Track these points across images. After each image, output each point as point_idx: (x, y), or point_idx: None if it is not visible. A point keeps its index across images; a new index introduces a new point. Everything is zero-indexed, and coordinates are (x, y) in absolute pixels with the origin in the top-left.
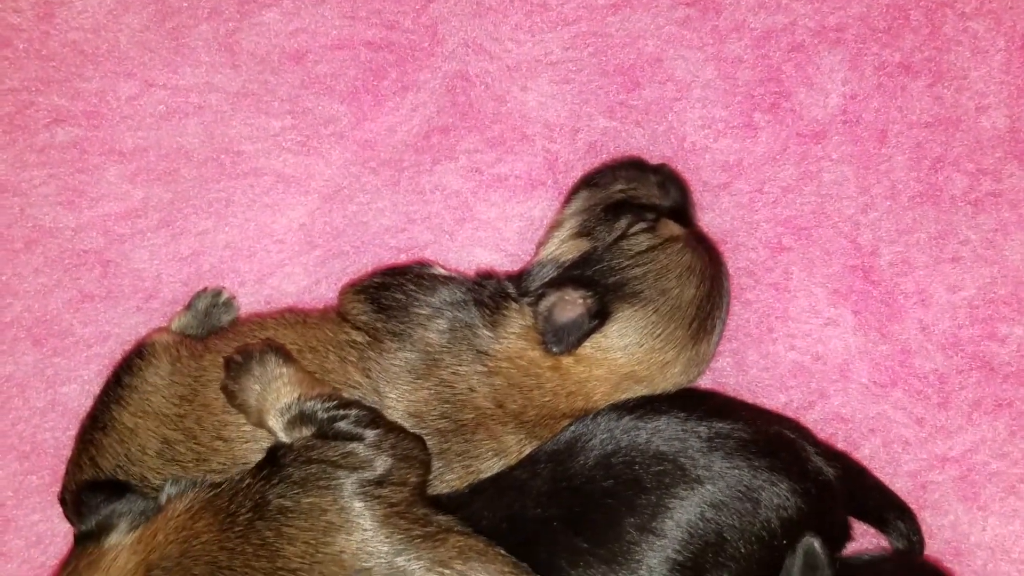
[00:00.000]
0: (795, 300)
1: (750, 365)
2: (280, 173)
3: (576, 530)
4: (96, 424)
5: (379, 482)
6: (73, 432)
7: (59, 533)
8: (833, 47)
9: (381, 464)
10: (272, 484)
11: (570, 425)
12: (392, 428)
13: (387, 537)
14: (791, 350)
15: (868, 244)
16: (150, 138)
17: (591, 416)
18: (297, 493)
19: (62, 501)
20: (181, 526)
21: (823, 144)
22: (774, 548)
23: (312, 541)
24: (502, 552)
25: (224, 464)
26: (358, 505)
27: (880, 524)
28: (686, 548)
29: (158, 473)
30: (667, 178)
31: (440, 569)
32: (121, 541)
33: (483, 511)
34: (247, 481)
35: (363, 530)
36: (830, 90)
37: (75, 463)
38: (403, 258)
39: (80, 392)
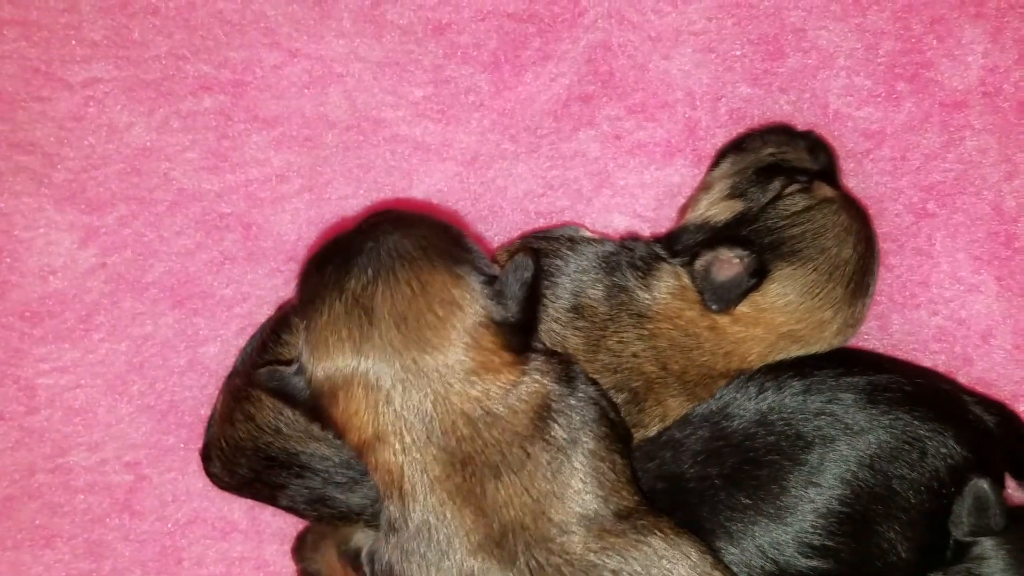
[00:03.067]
0: (938, 266)
1: (894, 330)
2: (419, 141)
3: (738, 487)
4: (252, 381)
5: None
6: (212, 392)
7: (193, 492)
8: (974, 20)
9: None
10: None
11: (724, 388)
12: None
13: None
14: (934, 315)
15: (1011, 211)
16: (293, 106)
17: (745, 377)
18: None
19: (206, 457)
20: None
21: (965, 113)
22: (942, 497)
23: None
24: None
25: None
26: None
27: None
28: (855, 501)
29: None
30: (815, 143)
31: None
32: None
33: (638, 472)
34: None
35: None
36: (971, 62)
37: (227, 420)
38: (541, 223)
39: (220, 352)
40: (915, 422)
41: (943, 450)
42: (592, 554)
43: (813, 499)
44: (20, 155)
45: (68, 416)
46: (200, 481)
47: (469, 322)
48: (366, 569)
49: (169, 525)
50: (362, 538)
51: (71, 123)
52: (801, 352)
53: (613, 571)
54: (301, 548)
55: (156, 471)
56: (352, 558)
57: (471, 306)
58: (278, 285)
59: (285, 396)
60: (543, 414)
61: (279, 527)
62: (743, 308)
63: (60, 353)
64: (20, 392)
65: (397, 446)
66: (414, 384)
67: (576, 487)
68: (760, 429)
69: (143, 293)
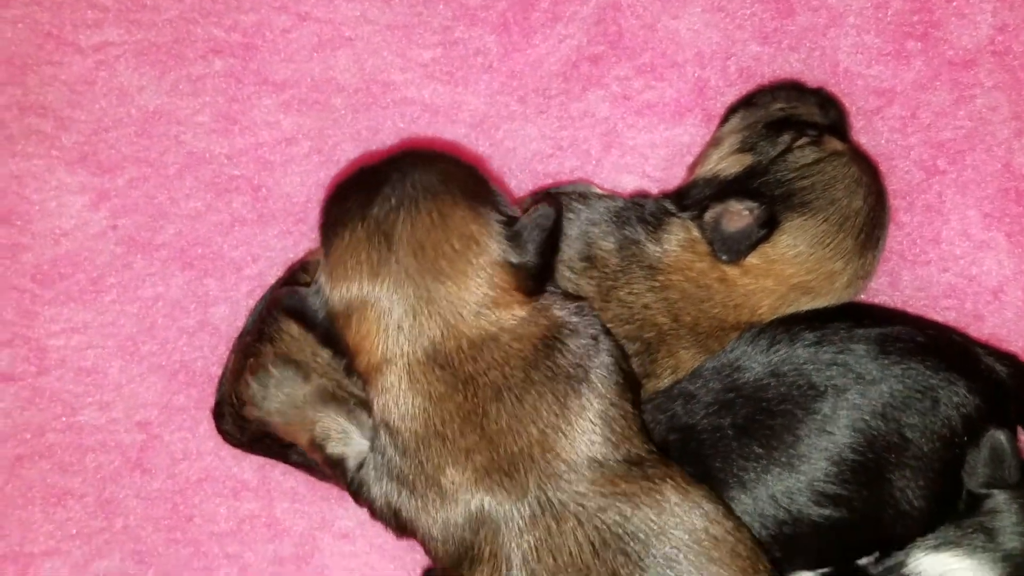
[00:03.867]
0: (948, 223)
1: (904, 286)
2: (428, 103)
3: (751, 437)
4: (262, 337)
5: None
6: (222, 353)
7: (204, 451)
8: None
9: None
10: None
11: (736, 340)
12: None
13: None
14: (945, 272)
15: (1021, 167)
16: (302, 69)
17: (757, 329)
18: None
19: (218, 415)
20: None
21: (974, 71)
22: (955, 446)
23: None
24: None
25: None
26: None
27: None
28: (867, 449)
29: (331, 379)
30: (825, 99)
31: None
32: None
33: (649, 424)
34: None
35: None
36: (980, 21)
37: (236, 375)
38: (550, 183)
39: (230, 313)
40: (927, 372)
41: (955, 399)
42: (603, 498)
43: (826, 448)
44: (31, 118)
45: (79, 376)
46: (211, 440)
47: (484, 259)
48: (348, 478)
49: (180, 483)
50: (341, 447)
51: (82, 86)
52: (812, 305)
53: (624, 516)
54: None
55: (167, 430)
56: (333, 462)
57: (488, 244)
58: (287, 247)
59: (302, 317)
60: (549, 342)
61: (290, 486)
62: (753, 260)
63: (71, 314)
64: (31, 353)
65: (403, 371)
66: (424, 312)
67: (584, 427)
68: (772, 380)
69: (153, 255)
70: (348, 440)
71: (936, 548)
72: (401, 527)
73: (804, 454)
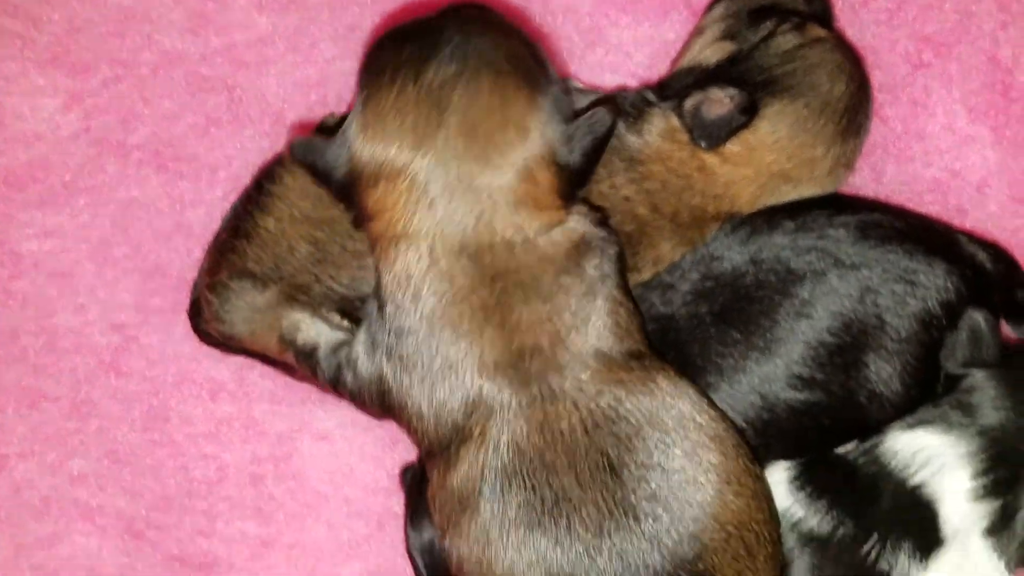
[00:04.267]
0: (934, 117)
1: (888, 181)
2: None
3: (728, 323)
4: (237, 233)
5: None
6: (197, 255)
7: (180, 354)
8: None
9: None
10: None
11: (716, 232)
12: None
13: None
14: (929, 166)
15: (1007, 61)
16: None
17: (737, 220)
18: None
19: (194, 314)
20: None
21: None
22: (934, 329)
23: None
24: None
25: None
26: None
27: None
28: (845, 332)
29: (307, 273)
30: None
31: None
32: None
33: None
34: None
35: None
36: None
37: (213, 273)
38: None
39: (205, 215)
40: (907, 256)
41: (936, 283)
42: (600, 384)
43: (803, 331)
44: (3, 18)
45: (53, 280)
46: (187, 344)
47: (532, 153)
48: (323, 366)
49: (156, 385)
50: (312, 333)
51: None
52: (793, 195)
53: (618, 400)
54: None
55: (142, 332)
56: (305, 353)
57: (540, 138)
58: (263, 149)
59: (317, 170)
60: (580, 251)
61: (268, 388)
62: (733, 147)
63: (44, 218)
64: (5, 257)
65: (426, 251)
66: (462, 196)
67: (596, 324)
68: (751, 267)
69: (127, 157)
70: (318, 330)
71: (911, 427)
72: (387, 407)
73: (782, 338)
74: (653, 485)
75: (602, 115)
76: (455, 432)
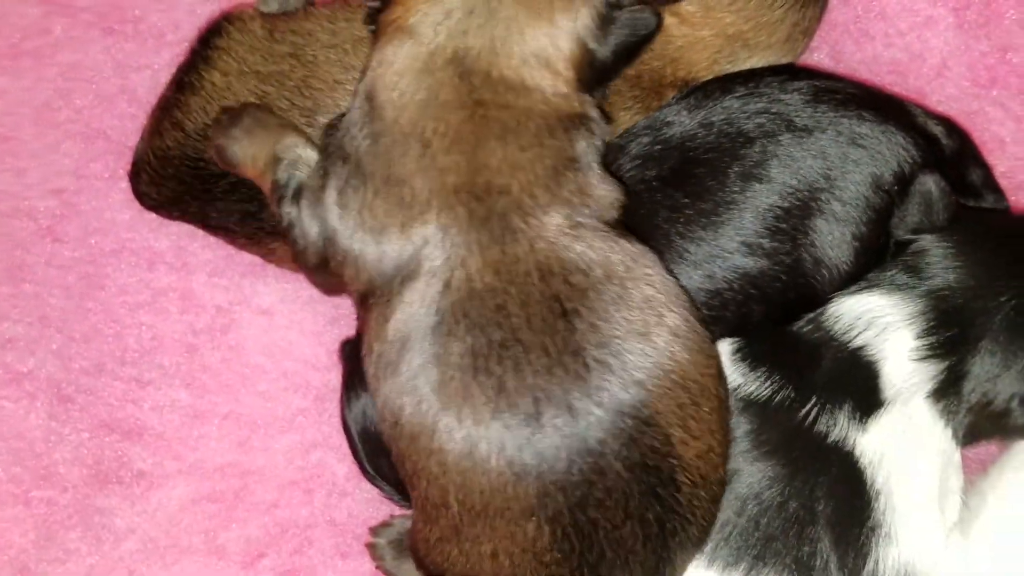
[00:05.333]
0: None
1: (847, 60)
2: None
3: (675, 186)
4: (181, 87)
5: None
6: (141, 121)
7: (120, 222)
8: None
9: None
10: None
11: (670, 100)
12: None
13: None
14: (889, 47)
15: None
16: None
17: (692, 87)
18: None
19: (134, 175)
20: None
21: None
22: (884, 196)
23: None
24: None
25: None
26: None
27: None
28: (794, 195)
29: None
30: None
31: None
32: None
33: None
34: None
35: None
36: None
37: (154, 132)
38: None
39: (149, 80)
40: (860, 122)
41: (888, 151)
42: (561, 234)
43: (752, 195)
44: None
45: None
46: (127, 211)
47: (569, 25)
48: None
49: (93, 253)
50: (291, 165)
51: None
52: (750, 62)
53: (577, 252)
54: (228, 125)
55: (82, 199)
56: (281, 184)
57: (582, 15)
58: (212, 12)
59: None
60: (574, 123)
61: (208, 259)
62: (690, 7)
63: None
64: None
65: (424, 54)
66: (482, 22)
67: (569, 189)
68: (701, 130)
69: (73, 18)
70: (299, 167)
71: (857, 291)
72: (333, 247)
73: (730, 201)
74: (604, 333)
75: (648, 17)
76: (403, 267)
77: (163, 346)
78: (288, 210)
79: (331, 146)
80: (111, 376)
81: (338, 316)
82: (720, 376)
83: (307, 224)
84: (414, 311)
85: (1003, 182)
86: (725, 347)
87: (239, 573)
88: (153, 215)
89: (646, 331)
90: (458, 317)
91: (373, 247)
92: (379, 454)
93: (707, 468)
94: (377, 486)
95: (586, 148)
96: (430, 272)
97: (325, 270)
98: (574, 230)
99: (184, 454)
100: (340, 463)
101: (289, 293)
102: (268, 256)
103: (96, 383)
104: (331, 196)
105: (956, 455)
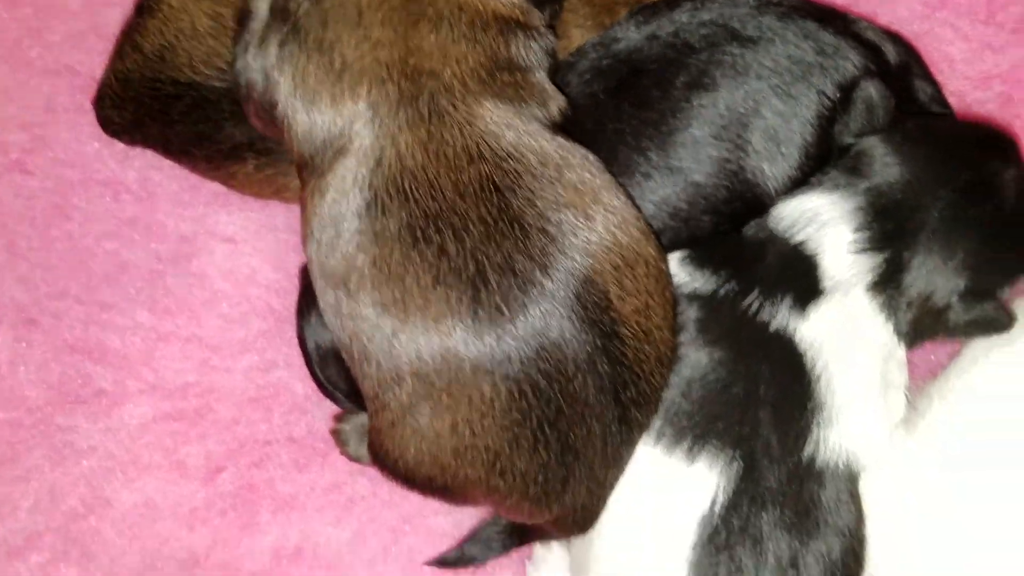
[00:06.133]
0: None
1: None
2: None
3: (622, 98)
4: (140, 11)
5: None
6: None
7: (88, 154)
8: None
9: None
10: None
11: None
12: None
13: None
14: None
15: None
16: None
17: (640, 6)
18: None
19: (98, 101)
20: None
21: None
22: (828, 103)
23: None
24: None
25: None
26: None
27: None
28: (738, 103)
29: (207, 49)
30: None
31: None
32: None
33: None
34: None
35: None
36: None
37: (117, 56)
38: None
39: (120, 16)
40: (806, 32)
41: (834, 60)
42: (495, 124)
43: (699, 102)
44: None
45: None
46: (94, 143)
47: None
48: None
49: (60, 184)
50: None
51: None
52: None
53: (509, 141)
54: None
55: (50, 132)
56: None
57: None
58: None
59: None
60: (511, 29)
61: (172, 190)
62: None
63: None
64: None
65: None
66: None
67: (504, 84)
68: (647, 43)
69: None
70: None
71: (799, 193)
72: (271, 104)
73: (676, 110)
74: (540, 207)
75: None
76: (333, 142)
77: (127, 273)
78: (239, 61)
79: (278, 2)
80: (75, 300)
81: (300, 243)
82: (659, 251)
83: (253, 75)
84: (347, 188)
85: (953, 100)
86: (674, 256)
87: (198, 487)
88: (119, 146)
89: (582, 206)
90: (392, 193)
91: (304, 115)
92: (333, 365)
93: (647, 324)
94: (333, 399)
95: (523, 53)
96: (360, 150)
97: (276, 129)
98: (507, 121)
99: (145, 374)
100: (300, 382)
101: (252, 222)
102: (229, 182)
103: (60, 307)
104: (272, 53)
105: (899, 351)
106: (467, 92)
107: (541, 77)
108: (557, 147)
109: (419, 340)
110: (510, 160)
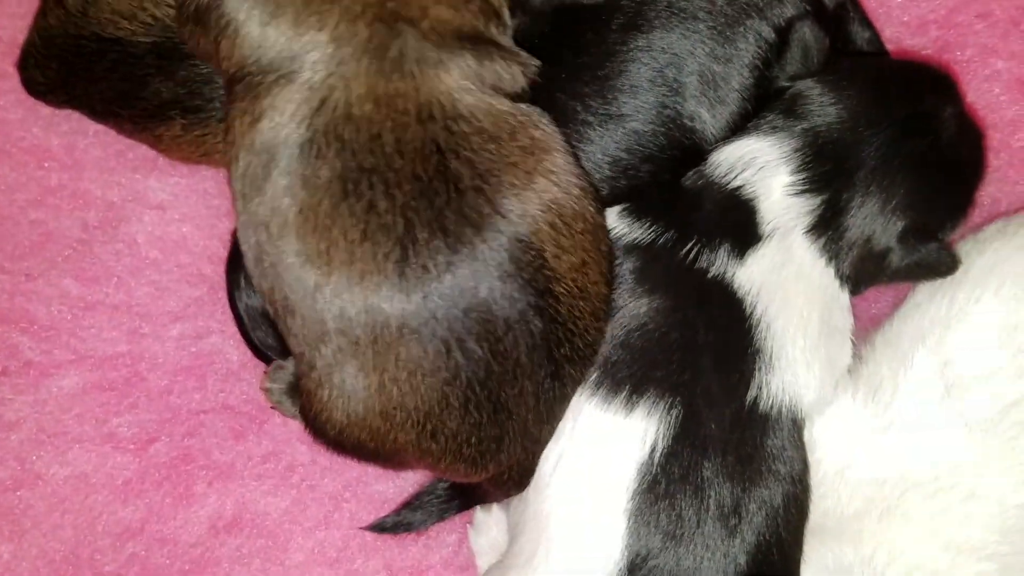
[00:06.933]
0: None
1: None
2: None
3: (558, 42)
4: None
5: None
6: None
7: (9, 122)
8: None
9: None
10: None
11: None
12: None
13: None
14: None
15: None
16: None
17: None
18: None
19: (22, 63)
20: None
21: None
22: (764, 46)
23: None
24: None
25: None
26: None
27: None
28: (673, 46)
29: (131, 3)
30: None
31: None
32: None
33: None
34: None
35: None
36: None
37: (39, 14)
38: None
39: None
40: None
41: (768, 3)
42: (456, 87)
43: (634, 44)
44: None
45: None
46: (18, 111)
47: None
48: None
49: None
50: None
51: None
52: None
53: (467, 105)
54: None
55: None
56: None
57: None
58: None
59: None
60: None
61: (98, 156)
62: None
63: None
64: None
65: None
66: None
67: (472, 47)
68: None
69: None
70: None
71: (736, 138)
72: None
73: (611, 52)
74: (478, 167)
75: None
76: (281, 65)
77: (53, 241)
78: None
79: None
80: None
81: (232, 209)
82: (598, 208)
83: None
84: (284, 121)
85: (889, 47)
86: (613, 210)
87: (131, 459)
88: (44, 113)
89: (525, 167)
90: (330, 139)
91: (257, 26)
92: (264, 327)
93: (583, 280)
94: (267, 361)
95: (497, 30)
96: (308, 85)
97: (203, 32)
98: (469, 85)
99: (74, 344)
100: (235, 350)
101: (182, 188)
102: (156, 144)
103: None
104: None
105: (843, 296)
106: (437, 51)
107: (510, 43)
108: (514, 111)
109: (343, 296)
110: (460, 122)
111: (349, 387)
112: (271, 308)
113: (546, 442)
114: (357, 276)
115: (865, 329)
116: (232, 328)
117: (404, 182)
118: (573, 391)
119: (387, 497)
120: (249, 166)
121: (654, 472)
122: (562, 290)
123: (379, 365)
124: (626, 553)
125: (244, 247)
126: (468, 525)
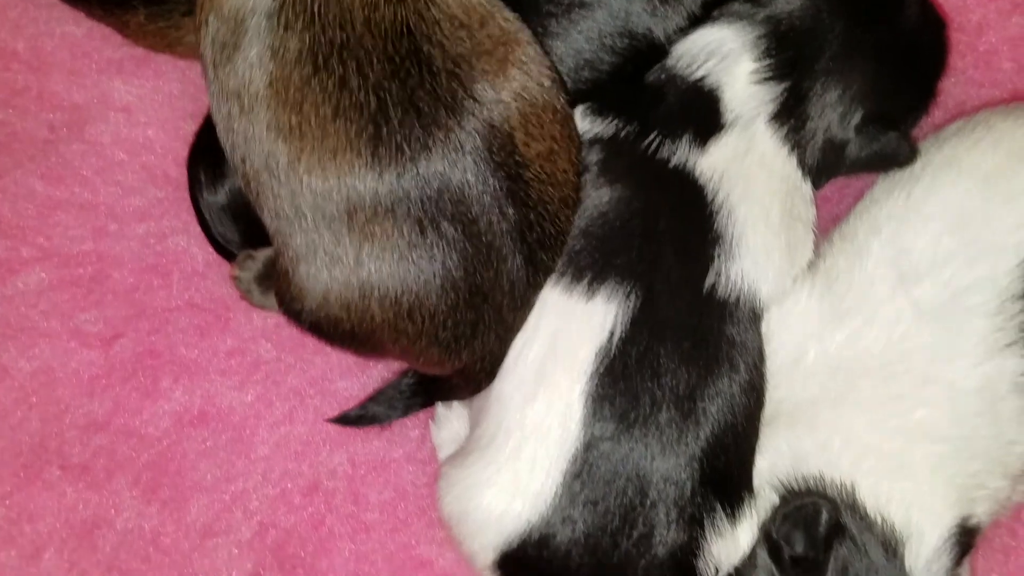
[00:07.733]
0: None
1: None
2: None
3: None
4: None
5: None
6: None
7: None
8: None
9: None
10: None
11: None
12: None
13: None
14: None
15: None
16: None
17: None
18: None
19: None
20: None
21: None
22: None
23: None
24: None
25: None
26: None
27: None
28: None
29: None
30: None
31: None
32: None
33: None
34: None
35: None
36: None
37: None
38: None
39: None
40: None
41: None
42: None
43: None
44: None
45: None
46: None
47: None
48: None
49: None
50: None
51: None
52: None
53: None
54: None
55: None
56: None
57: None
58: None
59: None
60: None
61: (64, 58)
62: None
63: None
64: None
65: None
66: None
67: None
68: None
69: None
70: None
71: (698, 29)
72: None
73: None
74: (449, 51)
75: None
76: None
77: (19, 142)
78: None
79: None
80: None
81: (197, 111)
82: (566, 100)
83: None
84: None
85: None
86: (578, 108)
87: (96, 354)
88: (10, 15)
89: (497, 56)
90: (298, 10)
91: None
92: (227, 223)
93: (552, 167)
94: (229, 257)
95: None
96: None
97: None
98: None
99: (40, 242)
100: (199, 249)
101: (148, 90)
102: (124, 30)
103: None
104: None
105: (806, 187)
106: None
107: None
108: (484, 1)
109: (316, 172)
110: (431, 6)
111: (325, 263)
112: (244, 186)
113: (518, 331)
114: (330, 153)
115: (827, 231)
116: (197, 228)
117: (376, 61)
118: (545, 279)
119: (351, 394)
120: (218, 32)
121: (612, 355)
122: (532, 175)
123: (354, 241)
124: (583, 434)
125: (216, 117)
126: (430, 420)
